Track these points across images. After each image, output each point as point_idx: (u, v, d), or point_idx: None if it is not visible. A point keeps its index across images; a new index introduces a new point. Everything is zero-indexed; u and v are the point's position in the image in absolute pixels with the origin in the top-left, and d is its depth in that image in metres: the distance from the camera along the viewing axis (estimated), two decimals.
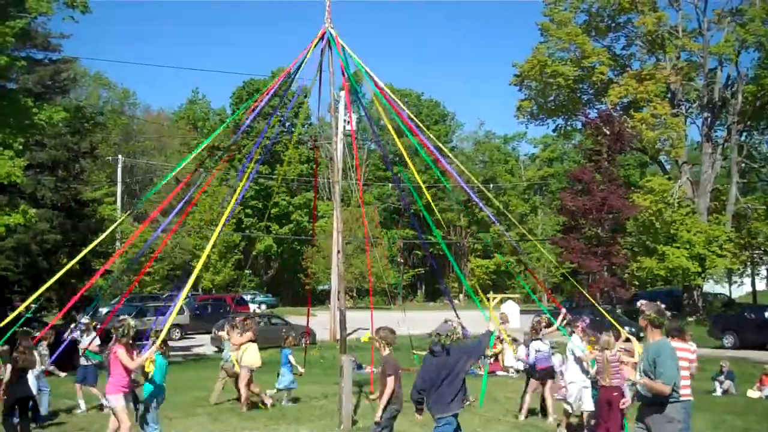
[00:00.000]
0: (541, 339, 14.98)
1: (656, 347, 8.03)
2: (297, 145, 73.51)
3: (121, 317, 10.97)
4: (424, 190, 17.13)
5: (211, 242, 13.88)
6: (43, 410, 14.46)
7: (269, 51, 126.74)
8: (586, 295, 23.42)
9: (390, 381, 9.98)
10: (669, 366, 7.84)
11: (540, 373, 14.76)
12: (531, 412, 15.03)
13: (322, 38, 13.94)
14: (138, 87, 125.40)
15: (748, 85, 43.79)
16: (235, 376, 16.39)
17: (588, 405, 12.91)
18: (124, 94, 75.24)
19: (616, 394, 11.72)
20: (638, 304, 8.41)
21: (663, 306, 8.30)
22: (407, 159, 16.38)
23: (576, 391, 13.05)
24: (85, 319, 15.13)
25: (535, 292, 74.02)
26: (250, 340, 16.17)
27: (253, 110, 16.05)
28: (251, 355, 16.10)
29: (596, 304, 20.97)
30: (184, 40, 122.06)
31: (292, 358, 16.67)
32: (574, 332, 13.43)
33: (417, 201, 74.93)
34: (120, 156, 56.61)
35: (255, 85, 71.99)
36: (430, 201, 19.43)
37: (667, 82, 45.01)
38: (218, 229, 14.33)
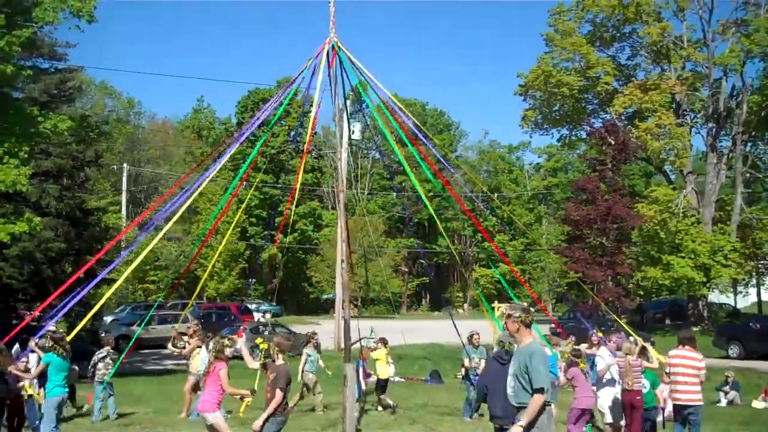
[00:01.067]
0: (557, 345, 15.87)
1: (528, 351, 7.71)
2: (301, 154, 73.53)
3: (227, 337, 10.86)
4: (427, 203, 17.09)
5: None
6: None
7: (275, 60, 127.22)
8: (596, 298, 23.34)
9: (279, 393, 9.89)
10: (541, 371, 7.56)
11: None
12: None
13: (327, 49, 13.97)
14: (143, 96, 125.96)
15: (753, 95, 43.76)
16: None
17: (608, 417, 13.20)
18: (129, 103, 75.47)
19: (639, 397, 12.32)
20: (503, 309, 8.20)
21: (526, 304, 8.24)
22: (409, 169, 16.38)
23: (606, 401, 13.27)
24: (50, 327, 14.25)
25: (535, 304, 74.10)
26: (198, 347, 15.89)
27: (256, 118, 16.02)
28: (198, 362, 15.88)
29: (609, 312, 21.00)
30: (189, 49, 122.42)
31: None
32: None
33: (424, 208, 75.23)
34: (125, 165, 56.75)
35: (260, 95, 72.10)
36: (433, 213, 19.41)
37: (672, 92, 44.98)
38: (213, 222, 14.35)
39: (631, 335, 14.12)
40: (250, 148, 55.62)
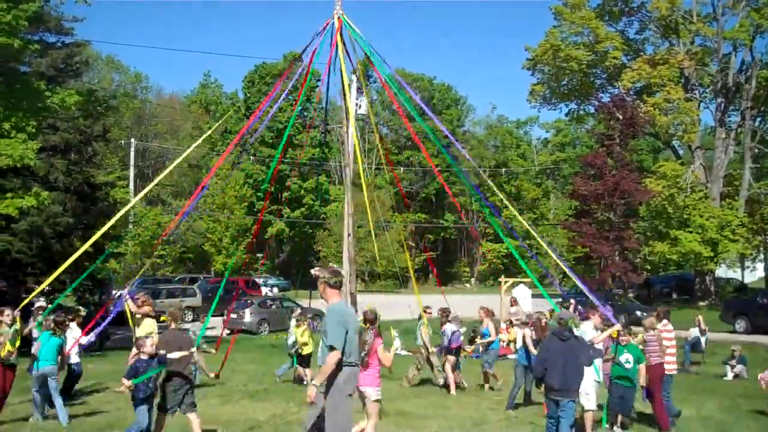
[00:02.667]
0: (451, 322, 17.11)
1: (327, 311, 7.99)
2: (308, 129, 73.49)
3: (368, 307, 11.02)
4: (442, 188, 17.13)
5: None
6: None
7: (281, 35, 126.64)
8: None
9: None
10: (335, 330, 7.74)
11: (455, 351, 16.93)
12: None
13: (333, 24, 13.93)
14: (150, 71, 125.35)
15: (762, 70, 43.60)
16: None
17: (590, 403, 11.64)
18: (137, 78, 75.45)
19: (660, 372, 12.56)
20: (312, 272, 8.31)
21: (336, 266, 8.34)
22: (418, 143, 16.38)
23: (589, 387, 11.61)
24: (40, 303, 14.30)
25: (546, 277, 74.19)
26: (147, 315, 15.26)
27: (269, 96, 16.03)
28: (144, 332, 15.61)
29: (611, 288, 21.05)
30: (196, 23, 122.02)
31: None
32: (588, 319, 13.28)
33: (431, 183, 75.21)
34: (132, 140, 56.81)
35: (267, 69, 71.89)
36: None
37: (681, 66, 44.77)
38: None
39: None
40: (258, 123, 55.59)
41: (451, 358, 16.80)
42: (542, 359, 10.55)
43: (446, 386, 16.62)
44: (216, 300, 19.10)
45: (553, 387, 10.25)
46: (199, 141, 15.85)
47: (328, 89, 14.29)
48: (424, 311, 17.67)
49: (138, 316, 15.09)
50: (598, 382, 12.07)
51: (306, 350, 17.06)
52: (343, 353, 7.71)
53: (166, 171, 18.58)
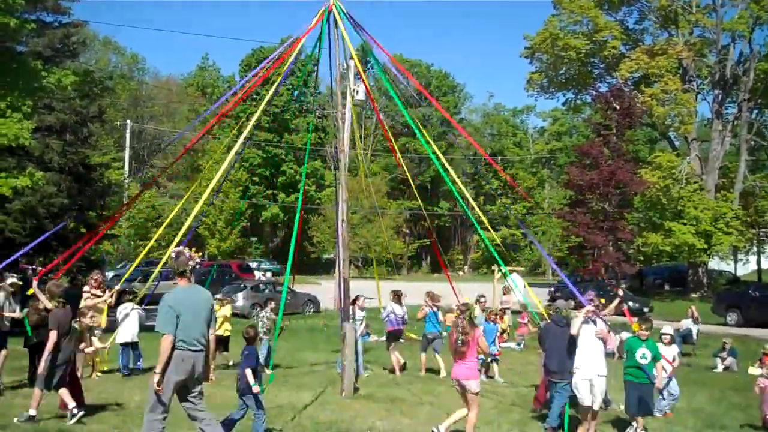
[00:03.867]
0: (399, 303, 17.18)
1: (164, 296, 8.25)
2: (305, 113, 73.37)
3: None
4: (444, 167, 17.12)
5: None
6: None
7: (279, 18, 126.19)
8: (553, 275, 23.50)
9: (53, 334, 10.58)
10: (164, 315, 8.03)
11: (389, 335, 17.20)
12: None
13: (328, 12, 13.92)
14: (147, 52, 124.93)
15: (760, 62, 43.58)
16: None
17: (589, 399, 10.98)
18: (133, 59, 75.14)
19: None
20: (173, 255, 8.47)
21: (189, 254, 8.47)
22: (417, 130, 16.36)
23: (581, 381, 11.02)
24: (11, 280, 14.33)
25: (540, 265, 74.32)
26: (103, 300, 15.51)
27: (263, 78, 15.96)
28: (104, 319, 15.70)
29: (604, 278, 21.06)
30: (194, 5, 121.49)
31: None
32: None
33: (426, 170, 75.14)
34: (128, 121, 56.67)
35: (264, 53, 71.69)
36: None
37: (679, 57, 44.76)
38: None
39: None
40: (253, 106, 55.46)
41: (389, 340, 17.02)
42: (546, 343, 11.76)
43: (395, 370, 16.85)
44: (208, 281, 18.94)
45: (551, 369, 11.37)
46: (213, 123, 15.81)
47: (332, 75, 14.27)
48: (478, 301, 17.81)
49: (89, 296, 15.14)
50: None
51: (225, 332, 16.50)
52: (175, 337, 7.96)
53: (177, 158, 18.54)
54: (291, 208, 70.47)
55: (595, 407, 10.94)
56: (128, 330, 15.77)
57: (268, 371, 10.87)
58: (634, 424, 11.10)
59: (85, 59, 49.10)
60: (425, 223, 77.48)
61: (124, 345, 15.71)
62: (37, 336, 12.87)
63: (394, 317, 17.12)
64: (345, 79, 14.26)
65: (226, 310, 16.81)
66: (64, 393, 10.70)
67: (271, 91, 15.25)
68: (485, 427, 11.36)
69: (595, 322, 11.04)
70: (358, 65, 16.95)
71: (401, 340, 18.00)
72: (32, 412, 10.56)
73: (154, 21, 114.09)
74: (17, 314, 13.13)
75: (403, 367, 17.06)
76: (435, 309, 17.05)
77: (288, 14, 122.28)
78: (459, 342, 10.14)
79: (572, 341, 10.94)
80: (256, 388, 9.85)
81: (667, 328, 13.67)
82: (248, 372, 9.96)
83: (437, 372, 16.63)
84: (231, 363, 16.29)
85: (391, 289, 18.19)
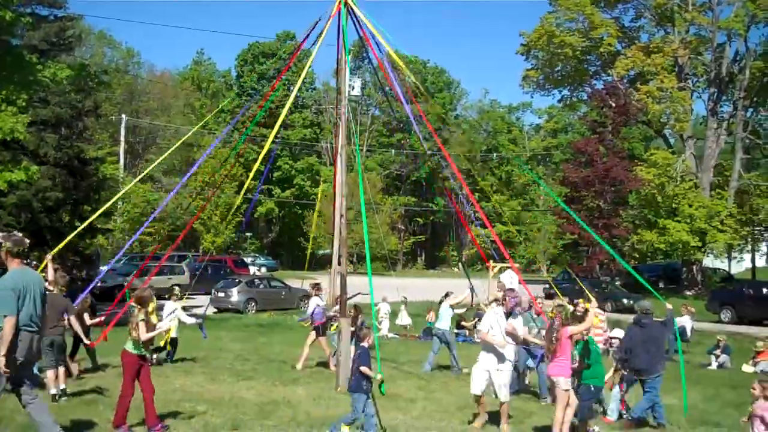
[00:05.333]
0: (320, 296, 17.09)
1: (2, 279, 8.17)
2: (300, 109, 73.34)
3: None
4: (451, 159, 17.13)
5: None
6: None
7: (275, 13, 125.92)
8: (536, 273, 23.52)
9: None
10: (4, 298, 7.95)
11: (317, 328, 16.80)
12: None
13: (339, 7, 13.96)
14: (142, 47, 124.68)
15: (756, 61, 43.61)
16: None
17: (503, 394, 11.08)
18: (129, 54, 74.89)
19: None
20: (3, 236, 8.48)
21: (21, 235, 8.49)
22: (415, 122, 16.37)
23: (477, 370, 11.24)
24: None
25: (535, 262, 74.35)
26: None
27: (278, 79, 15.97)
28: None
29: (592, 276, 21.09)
30: (189, 0, 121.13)
31: None
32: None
33: (422, 166, 75.12)
34: (123, 115, 56.56)
35: (260, 48, 71.69)
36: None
37: (675, 55, 44.80)
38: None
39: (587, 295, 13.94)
40: (250, 101, 55.50)
41: (312, 334, 16.89)
42: (626, 346, 12.28)
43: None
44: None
45: (638, 368, 11.96)
46: (231, 126, 15.80)
47: (346, 70, 14.24)
48: (446, 296, 17.80)
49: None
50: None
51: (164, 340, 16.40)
52: (18, 319, 7.94)
53: (171, 149, 18.52)
54: (286, 203, 70.52)
55: (501, 399, 11.00)
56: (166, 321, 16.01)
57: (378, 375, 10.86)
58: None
59: (80, 53, 49.05)
60: (420, 220, 77.56)
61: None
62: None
63: (320, 311, 16.92)
64: (343, 74, 14.23)
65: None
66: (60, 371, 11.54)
67: (295, 89, 15.18)
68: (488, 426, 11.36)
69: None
70: (379, 52, 16.70)
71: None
72: (53, 390, 11.66)
73: (149, 15, 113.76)
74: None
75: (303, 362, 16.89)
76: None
77: (284, 9, 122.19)
78: (552, 341, 10.50)
79: (656, 339, 12.04)
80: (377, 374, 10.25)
81: (617, 332, 14.01)
82: (365, 370, 10.15)
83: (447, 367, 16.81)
84: (154, 361, 15.63)
85: (311, 282, 18.77)
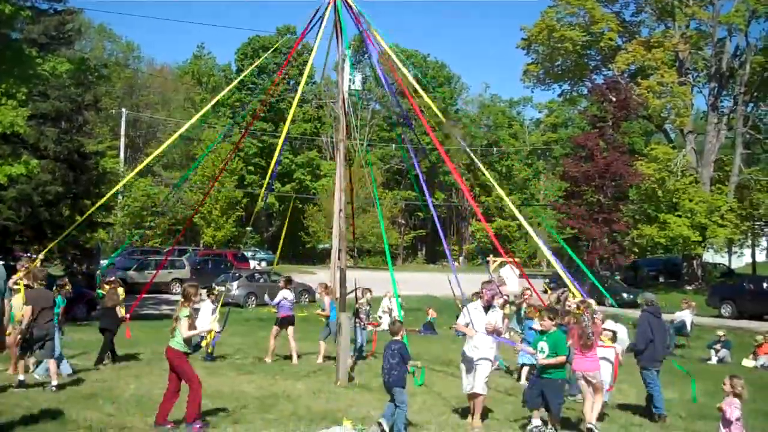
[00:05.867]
0: (289, 289, 17.09)
1: None
2: (301, 103, 73.25)
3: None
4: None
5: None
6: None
7: (275, 7, 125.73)
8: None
9: (27, 310, 11.83)
10: None
11: (281, 320, 16.90)
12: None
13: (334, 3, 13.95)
14: (142, 41, 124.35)
15: (756, 55, 43.56)
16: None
17: (479, 386, 10.91)
18: (129, 48, 74.89)
19: None
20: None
21: None
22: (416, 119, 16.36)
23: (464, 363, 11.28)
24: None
25: (535, 256, 74.31)
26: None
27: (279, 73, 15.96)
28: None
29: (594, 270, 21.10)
30: None
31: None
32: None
33: (422, 161, 75.09)
34: (123, 109, 56.56)
35: (260, 42, 71.60)
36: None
37: (676, 50, 44.77)
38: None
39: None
40: (249, 95, 55.50)
41: (276, 328, 16.95)
42: (647, 337, 12.12)
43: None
44: None
45: (657, 358, 12.22)
46: (232, 122, 15.79)
47: (339, 65, 14.27)
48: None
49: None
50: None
51: None
52: None
53: (169, 141, 18.53)
54: (286, 197, 70.50)
55: (476, 390, 10.83)
56: (204, 321, 16.04)
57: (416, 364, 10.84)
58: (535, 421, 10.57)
59: (80, 47, 49.00)
60: (421, 214, 77.50)
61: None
62: (104, 320, 15.54)
63: (288, 303, 16.99)
64: (343, 68, 14.22)
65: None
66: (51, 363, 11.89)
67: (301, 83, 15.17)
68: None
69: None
70: (385, 45, 16.66)
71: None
72: (54, 383, 11.97)
73: (148, 9, 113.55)
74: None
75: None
76: (326, 299, 17.10)
77: (284, 3, 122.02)
78: (588, 335, 10.90)
79: (666, 331, 12.62)
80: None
81: (609, 324, 12.55)
82: (413, 363, 10.39)
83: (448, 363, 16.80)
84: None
85: (284, 276, 18.73)
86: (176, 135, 19.31)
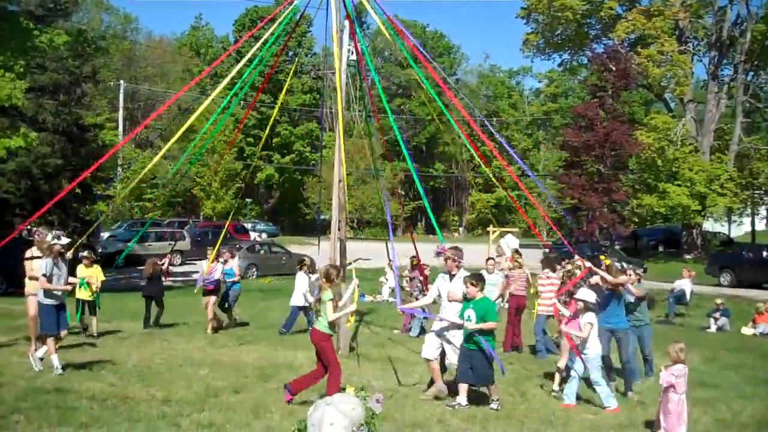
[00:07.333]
0: (224, 263, 16.94)
1: None
2: (299, 74, 73.03)
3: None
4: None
5: None
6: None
7: None
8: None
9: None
10: None
11: (207, 291, 16.66)
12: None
13: None
14: (140, 12, 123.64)
15: (757, 24, 43.32)
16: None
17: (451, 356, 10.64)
18: (126, 19, 74.45)
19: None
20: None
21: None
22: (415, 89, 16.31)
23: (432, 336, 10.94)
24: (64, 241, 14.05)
25: (536, 226, 74.29)
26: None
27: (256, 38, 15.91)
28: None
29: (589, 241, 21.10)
30: None
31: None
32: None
33: (422, 132, 75.03)
34: (122, 81, 56.32)
35: (259, 13, 71.21)
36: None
37: (676, 18, 44.50)
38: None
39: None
40: (247, 67, 55.15)
41: (206, 298, 16.67)
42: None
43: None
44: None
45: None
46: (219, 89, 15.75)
47: (337, 37, 14.18)
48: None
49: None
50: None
51: (87, 296, 15.36)
52: None
53: (158, 111, 18.48)
54: (285, 169, 70.45)
55: (451, 360, 10.58)
56: (300, 293, 16.48)
57: None
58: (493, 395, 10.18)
59: (77, 19, 48.71)
60: (421, 184, 77.43)
61: (297, 308, 16.61)
62: (148, 288, 16.78)
63: (212, 278, 16.74)
64: (341, 38, 14.15)
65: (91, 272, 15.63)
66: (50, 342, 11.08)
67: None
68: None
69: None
70: (379, 17, 16.55)
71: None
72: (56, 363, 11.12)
73: None
74: (74, 280, 12.72)
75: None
76: (234, 264, 17.38)
77: None
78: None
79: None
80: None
81: (582, 292, 10.86)
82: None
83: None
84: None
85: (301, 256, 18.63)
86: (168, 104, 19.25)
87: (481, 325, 9.89)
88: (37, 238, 12.75)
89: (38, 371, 10.99)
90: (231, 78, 16.80)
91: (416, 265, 17.17)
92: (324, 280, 9.89)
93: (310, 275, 16.63)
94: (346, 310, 10.66)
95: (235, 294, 17.51)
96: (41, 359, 11.29)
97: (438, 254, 11.47)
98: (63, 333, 11.40)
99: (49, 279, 10.96)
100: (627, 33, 45.26)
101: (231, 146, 56.56)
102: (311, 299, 15.23)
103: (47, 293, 11.07)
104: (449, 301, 10.73)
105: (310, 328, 10.07)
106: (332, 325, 9.84)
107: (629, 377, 11.47)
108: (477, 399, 10.27)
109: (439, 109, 47.49)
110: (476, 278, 10.31)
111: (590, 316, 10.49)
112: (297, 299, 16.58)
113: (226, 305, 17.31)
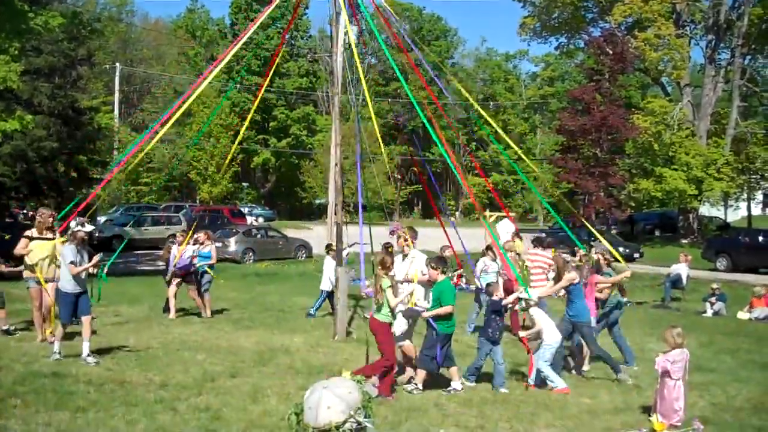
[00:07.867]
0: (200, 245, 16.54)
1: None
2: (296, 57, 72.84)
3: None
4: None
5: None
6: None
7: None
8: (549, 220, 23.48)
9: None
10: None
11: (181, 276, 16.21)
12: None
13: None
14: None
15: (754, 7, 43.20)
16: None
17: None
18: (122, 2, 74.12)
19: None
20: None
21: None
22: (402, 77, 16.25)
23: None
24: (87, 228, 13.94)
25: (531, 211, 74.46)
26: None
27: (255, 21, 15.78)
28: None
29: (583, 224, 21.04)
30: None
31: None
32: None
33: (418, 116, 74.82)
34: (117, 64, 56.13)
35: None
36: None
37: (673, 2, 44.36)
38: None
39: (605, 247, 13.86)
40: (244, 50, 55.02)
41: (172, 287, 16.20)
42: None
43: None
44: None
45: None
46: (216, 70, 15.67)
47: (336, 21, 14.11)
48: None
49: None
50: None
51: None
52: None
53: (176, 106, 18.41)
54: (282, 153, 70.33)
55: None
56: (327, 278, 16.57)
57: None
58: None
59: (72, 1, 48.48)
60: (417, 169, 77.40)
61: (327, 292, 16.58)
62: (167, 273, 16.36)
63: (184, 261, 16.23)
64: (338, 20, 14.09)
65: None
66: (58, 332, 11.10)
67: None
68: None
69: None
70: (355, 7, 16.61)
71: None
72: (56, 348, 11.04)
73: None
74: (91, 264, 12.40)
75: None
76: (212, 247, 17.02)
77: None
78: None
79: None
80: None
81: (533, 310, 11.06)
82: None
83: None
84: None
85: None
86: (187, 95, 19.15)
87: (437, 311, 9.88)
88: (38, 218, 12.68)
89: (59, 355, 10.88)
90: (227, 62, 16.66)
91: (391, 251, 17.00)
92: (380, 267, 9.81)
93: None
94: (404, 294, 10.35)
95: (207, 280, 16.61)
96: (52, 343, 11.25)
97: (392, 233, 11.40)
98: (85, 318, 11.07)
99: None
100: (624, 16, 45.10)
101: (225, 129, 56.46)
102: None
103: (69, 280, 10.93)
104: (418, 284, 10.57)
105: (369, 317, 9.93)
106: (392, 312, 9.77)
107: (610, 364, 11.38)
108: (476, 384, 10.32)
109: (435, 93, 47.56)
110: (437, 261, 10.23)
111: (534, 311, 10.93)
112: (326, 284, 16.68)
113: (202, 290, 16.55)
